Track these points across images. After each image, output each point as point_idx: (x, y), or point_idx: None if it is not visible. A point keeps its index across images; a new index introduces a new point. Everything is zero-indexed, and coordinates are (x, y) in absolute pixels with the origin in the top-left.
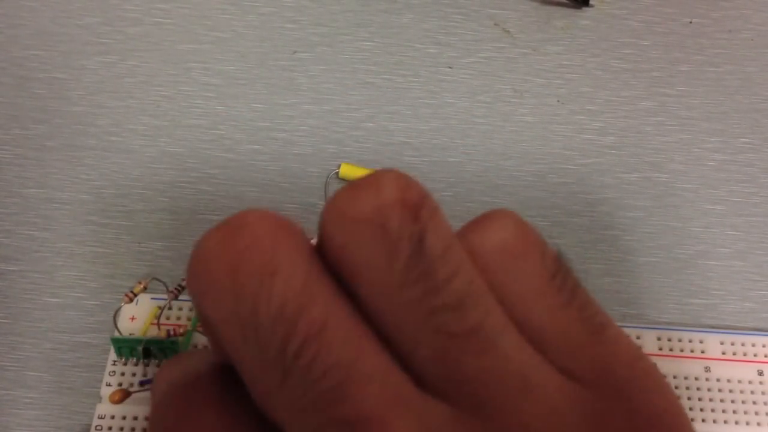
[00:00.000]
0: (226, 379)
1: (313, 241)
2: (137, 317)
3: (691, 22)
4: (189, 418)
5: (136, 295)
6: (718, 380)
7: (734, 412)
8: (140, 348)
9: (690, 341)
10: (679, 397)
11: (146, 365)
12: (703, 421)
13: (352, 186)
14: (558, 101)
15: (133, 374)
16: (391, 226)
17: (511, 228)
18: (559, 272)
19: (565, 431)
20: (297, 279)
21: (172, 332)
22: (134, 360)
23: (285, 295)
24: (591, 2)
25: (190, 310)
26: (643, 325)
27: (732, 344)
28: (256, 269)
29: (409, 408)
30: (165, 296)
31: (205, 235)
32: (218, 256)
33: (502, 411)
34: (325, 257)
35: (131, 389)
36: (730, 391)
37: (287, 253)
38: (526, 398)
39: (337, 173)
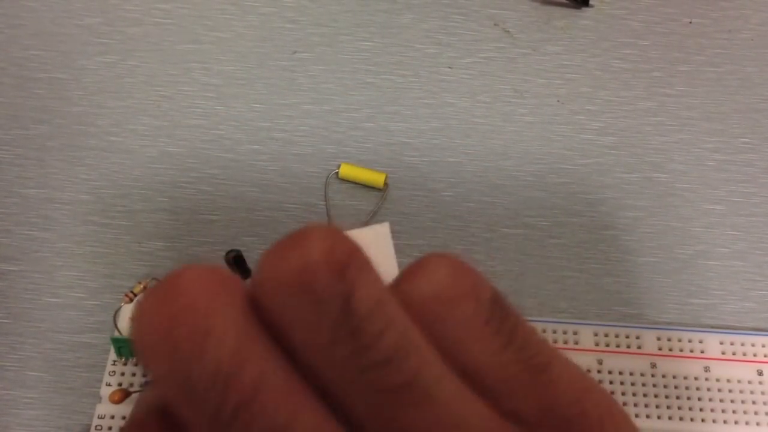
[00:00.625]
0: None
1: None
2: None
3: (691, 22)
4: None
5: (136, 295)
6: (717, 380)
7: (734, 411)
8: None
9: (690, 341)
10: (630, 418)
11: None
12: (703, 420)
13: (279, 245)
14: (558, 101)
15: (133, 374)
16: (316, 287)
17: (442, 274)
18: (495, 314)
19: None
20: (230, 340)
21: None
22: (134, 360)
23: (218, 358)
24: (591, 2)
25: None
26: (643, 325)
27: (731, 344)
28: (190, 331)
29: None
30: None
31: (143, 297)
32: (154, 319)
33: None
34: (260, 309)
35: (131, 389)
36: (730, 391)
37: (221, 313)
38: None
39: (337, 173)
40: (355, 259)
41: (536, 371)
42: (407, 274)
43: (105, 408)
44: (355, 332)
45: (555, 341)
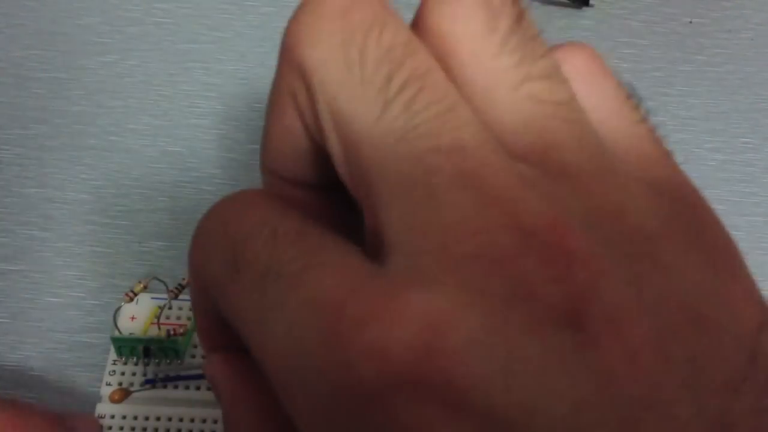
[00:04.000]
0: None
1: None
2: (137, 317)
3: (691, 22)
4: (245, 208)
5: (136, 295)
6: None
7: None
8: (140, 347)
9: None
10: None
11: (146, 365)
12: None
13: None
14: None
15: (133, 374)
16: (493, 2)
17: (592, 52)
18: (633, 96)
19: (645, 217)
20: (404, 32)
21: (172, 332)
22: (134, 359)
23: (394, 41)
24: (591, 2)
25: (190, 309)
26: None
27: None
28: (368, 17)
29: (502, 150)
30: (165, 296)
31: None
32: (333, 2)
33: (588, 180)
34: (422, 32)
35: (131, 389)
36: None
37: (394, 16)
38: (611, 175)
39: None
40: None
41: (665, 152)
42: (556, 46)
43: (105, 407)
44: (522, 45)
45: None
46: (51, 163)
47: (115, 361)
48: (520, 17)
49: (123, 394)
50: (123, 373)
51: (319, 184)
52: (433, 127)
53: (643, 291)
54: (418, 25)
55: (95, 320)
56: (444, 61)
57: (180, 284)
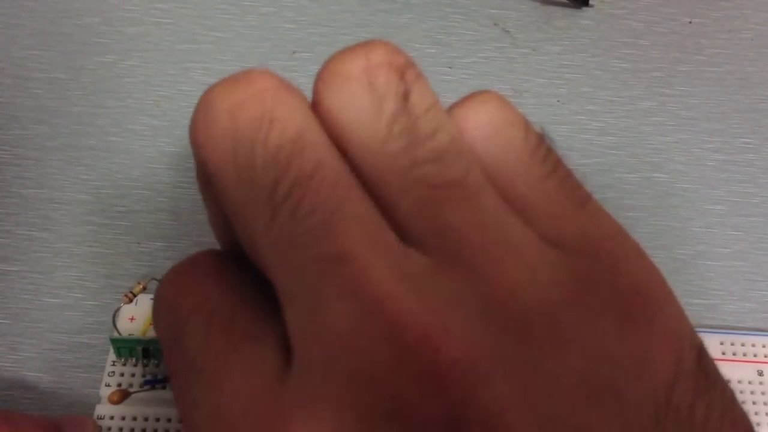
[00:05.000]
0: (221, 257)
1: None
2: (136, 318)
3: (691, 22)
4: (190, 286)
5: (135, 296)
6: None
7: None
8: (139, 348)
9: None
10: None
11: (145, 365)
12: None
13: (344, 50)
14: (558, 101)
15: (133, 375)
16: (378, 84)
17: (495, 103)
18: (542, 145)
19: (545, 290)
20: (293, 128)
21: None
22: (133, 360)
23: (281, 140)
24: (591, 2)
25: None
26: None
27: (732, 344)
28: (256, 115)
29: (389, 252)
30: None
31: (210, 87)
32: (222, 102)
33: (482, 263)
34: (318, 115)
35: (131, 389)
36: None
37: (286, 106)
38: (506, 253)
39: None
40: (413, 67)
41: (578, 202)
42: (458, 102)
43: (104, 408)
44: (410, 128)
45: None
46: (50, 163)
47: (114, 362)
48: (406, 94)
49: (122, 395)
50: (122, 374)
51: None
52: (317, 234)
53: (532, 381)
54: (314, 104)
55: (94, 321)
56: (338, 143)
57: None
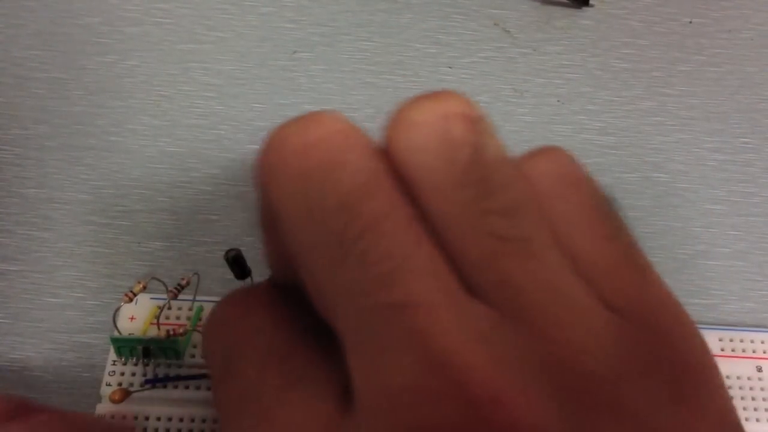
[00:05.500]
0: (277, 291)
1: None
2: (137, 317)
3: (691, 22)
4: (247, 316)
5: (135, 295)
6: None
7: None
8: (140, 348)
9: None
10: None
11: (146, 365)
12: None
13: (417, 97)
14: (558, 101)
15: (133, 374)
16: (454, 133)
17: (565, 159)
18: (608, 206)
19: (609, 358)
20: (363, 172)
21: (171, 332)
22: (134, 360)
23: (353, 183)
24: (591, 2)
25: (190, 309)
26: None
27: (731, 341)
28: (329, 157)
29: (455, 302)
30: (164, 296)
31: (279, 127)
32: (294, 142)
33: (547, 322)
34: (389, 160)
35: (131, 389)
36: (729, 387)
37: (358, 148)
38: (571, 315)
39: None
40: (485, 120)
41: (639, 269)
42: (528, 154)
43: (105, 408)
44: (483, 179)
45: None
46: (51, 163)
47: (114, 361)
48: (481, 146)
49: (123, 395)
50: (123, 374)
51: None
52: (386, 281)
53: None
54: (387, 149)
55: (95, 320)
56: (409, 189)
57: (179, 284)
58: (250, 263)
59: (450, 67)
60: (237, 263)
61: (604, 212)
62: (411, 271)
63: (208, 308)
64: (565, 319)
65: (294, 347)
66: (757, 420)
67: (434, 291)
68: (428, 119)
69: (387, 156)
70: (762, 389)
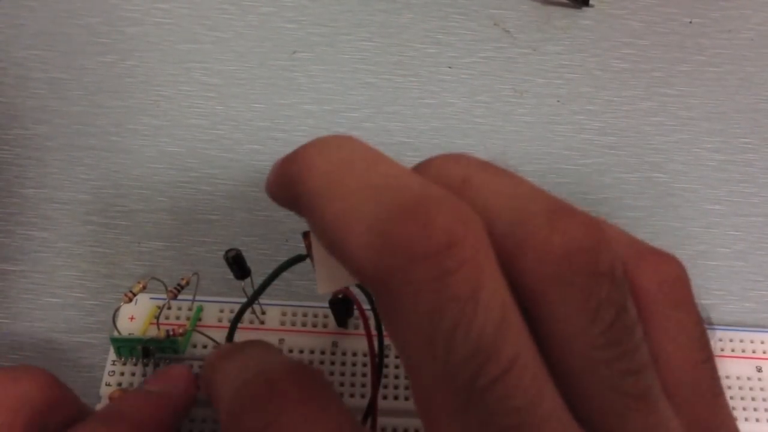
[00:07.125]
0: (306, 378)
1: None
2: (136, 317)
3: (691, 22)
4: (277, 415)
5: (135, 295)
6: None
7: (733, 408)
8: (139, 348)
9: None
10: None
11: (145, 365)
12: None
13: (570, 250)
14: (558, 101)
15: (133, 374)
16: (599, 293)
17: (674, 272)
18: (704, 330)
19: None
20: (496, 309)
21: (171, 332)
22: (134, 360)
23: (484, 326)
24: (591, 2)
25: (189, 309)
26: None
27: (731, 341)
28: (464, 294)
29: None
30: (164, 296)
31: (407, 237)
32: (425, 271)
33: None
34: (514, 278)
35: (131, 389)
36: (729, 387)
37: (491, 282)
38: None
39: None
40: (625, 278)
41: (716, 393)
42: (638, 254)
43: None
44: (620, 341)
45: None
46: (51, 163)
47: (114, 361)
48: (623, 307)
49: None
50: (122, 374)
51: None
52: (510, 431)
53: None
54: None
55: (95, 320)
56: (538, 330)
57: (179, 284)
58: (249, 263)
59: (450, 67)
60: (237, 263)
61: (703, 333)
62: (537, 424)
63: (207, 308)
64: None
65: None
66: (757, 420)
67: None
68: (574, 280)
69: (511, 270)
70: (762, 389)
